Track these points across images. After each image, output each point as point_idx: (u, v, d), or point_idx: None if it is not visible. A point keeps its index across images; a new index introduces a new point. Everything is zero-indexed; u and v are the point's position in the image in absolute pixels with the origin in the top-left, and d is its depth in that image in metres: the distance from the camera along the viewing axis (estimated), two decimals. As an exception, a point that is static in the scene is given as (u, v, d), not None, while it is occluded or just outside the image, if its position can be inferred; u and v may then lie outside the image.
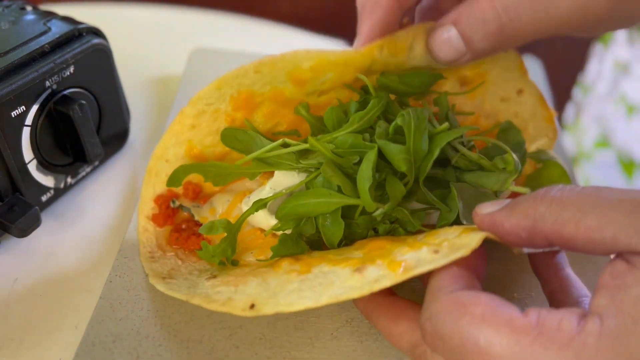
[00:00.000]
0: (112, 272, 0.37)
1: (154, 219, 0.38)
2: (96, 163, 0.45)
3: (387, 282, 0.28)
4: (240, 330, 0.35)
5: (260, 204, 0.35)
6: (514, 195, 0.36)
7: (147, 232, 0.38)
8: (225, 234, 0.36)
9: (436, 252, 0.28)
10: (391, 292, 0.31)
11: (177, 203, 0.39)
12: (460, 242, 0.28)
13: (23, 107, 0.37)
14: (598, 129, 1.05)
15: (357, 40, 0.35)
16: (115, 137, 0.47)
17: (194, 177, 0.39)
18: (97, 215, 0.43)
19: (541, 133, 0.44)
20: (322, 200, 0.34)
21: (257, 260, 0.36)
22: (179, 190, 0.39)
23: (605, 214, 0.25)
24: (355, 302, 0.33)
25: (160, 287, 0.34)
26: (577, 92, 0.95)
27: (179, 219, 0.39)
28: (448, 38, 0.32)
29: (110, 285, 0.37)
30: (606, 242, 0.25)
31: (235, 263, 0.36)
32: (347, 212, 0.34)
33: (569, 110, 1.03)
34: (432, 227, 0.35)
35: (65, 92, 0.40)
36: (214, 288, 0.33)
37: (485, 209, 0.29)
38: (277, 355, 0.33)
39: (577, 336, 0.23)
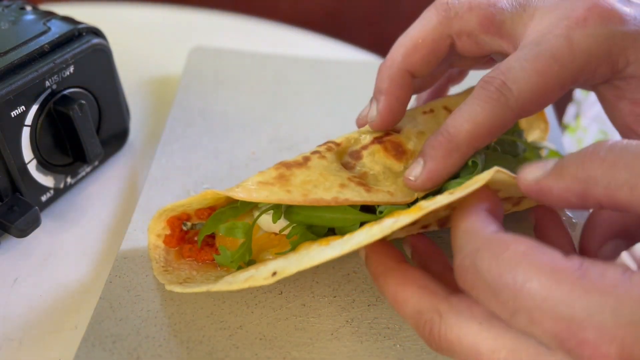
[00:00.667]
0: (112, 273, 0.37)
1: (167, 241, 0.38)
2: (96, 163, 0.45)
3: (406, 220, 0.28)
4: (240, 330, 0.35)
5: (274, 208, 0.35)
6: None
7: (158, 248, 0.37)
8: (242, 241, 0.35)
9: (451, 194, 0.29)
10: (403, 260, 0.31)
11: (189, 225, 0.38)
12: (471, 181, 0.28)
13: (23, 107, 0.37)
14: (598, 129, 1.04)
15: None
16: (115, 137, 0.47)
17: None
18: (97, 215, 0.43)
19: (533, 125, 0.44)
20: (339, 217, 0.33)
21: (276, 254, 0.36)
22: (192, 212, 0.38)
23: None
24: (366, 263, 0.32)
25: (177, 289, 0.34)
26: (577, 92, 0.95)
27: (191, 234, 0.39)
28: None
29: (110, 286, 0.36)
30: None
31: (252, 262, 0.36)
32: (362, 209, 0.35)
33: (569, 110, 1.03)
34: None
35: (65, 92, 0.40)
36: (234, 277, 0.33)
37: (531, 174, 0.28)
38: (277, 356, 0.33)
39: (621, 285, 0.22)
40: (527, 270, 0.23)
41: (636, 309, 0.22)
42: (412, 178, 0.34)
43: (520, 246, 0.24)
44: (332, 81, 0.57)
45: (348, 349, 0.34)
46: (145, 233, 0.39)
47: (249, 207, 0.36)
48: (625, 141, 0.25)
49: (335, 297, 0.37)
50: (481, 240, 0.25)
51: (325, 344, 0.34)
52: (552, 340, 0.23)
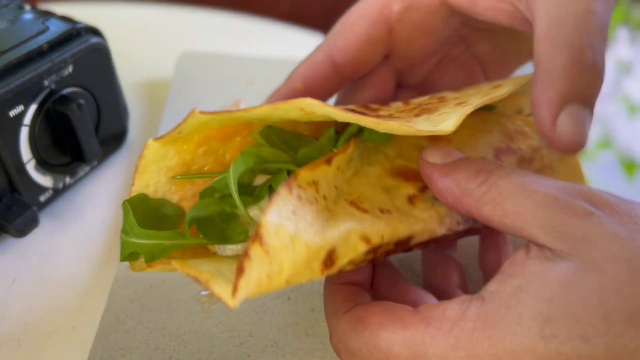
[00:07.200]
0: (114, 284, 0.37)
1: None
2: (95, 163, 0.45)
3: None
4: (251, 338, 0.34)
5: None
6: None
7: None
8: None
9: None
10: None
11: None
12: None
13: (21, 106, 0.37)
14: (600, 130, 1.04)
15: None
16: (113, 137, 0.47)
17: None
18: (96, 216, 0.43)
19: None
20: None
21: None
22: None
23: (519, 202, 0.26)
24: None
25: None
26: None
27: None
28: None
29: (115, 297, 0.36)
30: (515, 228, 0.26)
31: None
32: None
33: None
34: None
35: (64, 91, 0.40)
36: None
37: (431, 157, 0.30)
38: (289, 362, 0.33)
39: (458, 322, 0.25)
40: (386, 338, 0.26)
41: (468, 344, 0.25)
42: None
43: (375, 318, 0.27)
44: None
45: None
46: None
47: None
48: (512, 170, 0.28)
49: None
50: (344, 322, 0.28)
51: None
52: None
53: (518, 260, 0.26)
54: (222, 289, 0.24)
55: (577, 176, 0.37)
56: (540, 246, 0.25)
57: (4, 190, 0.38)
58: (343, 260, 0.26)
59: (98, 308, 0.36)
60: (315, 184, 0.27)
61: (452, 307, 0.26)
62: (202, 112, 0.27)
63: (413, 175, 0.31)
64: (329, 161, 0.28)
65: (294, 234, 0.24)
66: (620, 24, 1.08)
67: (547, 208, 0.25)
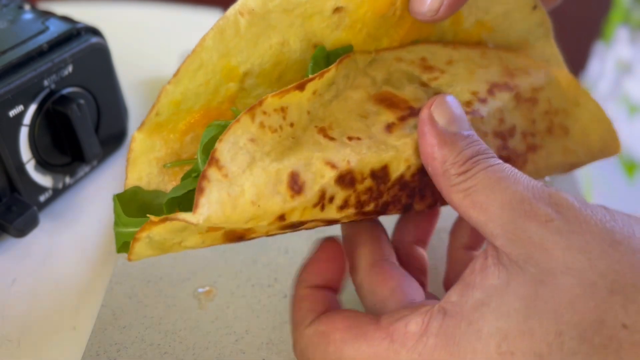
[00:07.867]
0: (112, 279, 0.37)
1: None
2: (94, 163, 0.45)
3: None
4: (247, 335, 0.34)
5: None
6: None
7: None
8: None
9: None
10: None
11: None
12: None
13: (21, 106, 0.37)
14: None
15: None
16: (113, 137, 0.47)
17: None
18: (96, 216, 0.43)
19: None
20: None
21: None
22: None
23: (489, 197, 0.25)
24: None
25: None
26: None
27: None
28: None
29: (112, 293, 0.36)
30: (479, 222, 0.25)
31: None
32: None
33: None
34: None
35: (64, 91, 0.40)
36: None
37: (437, 114, 0.28)
38: (285, 360, 0.33)
39: (421, 338, 0.25)
40: (350, 355, 0.26)
41: None
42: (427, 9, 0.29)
43: (337, 334, 0.27)
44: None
45: None
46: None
47: None
48: (504, 169, 0.26)
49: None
50: (306, 337, 0.28)
51: None
52: None
53: (477, 268, 0.25)
54: (187, 215, 0.24)
55: (601, 121, 0.36)
56: (498, 250, 0.25)
57: (4, 190, 0.38)
58: (314, 187, 0.25)
59: (98, 308, 0.36)
60: (283, 110, 0.26)
61: (415, 321, 0.25)
62: (170, 83, 0.27)
63: (396, 104, 0.29)
64: (301, 87, 0.26)
65: (249, 162, 0.24)
66: (620, 24, 1.09)
67: (511, 209, 0.25)
